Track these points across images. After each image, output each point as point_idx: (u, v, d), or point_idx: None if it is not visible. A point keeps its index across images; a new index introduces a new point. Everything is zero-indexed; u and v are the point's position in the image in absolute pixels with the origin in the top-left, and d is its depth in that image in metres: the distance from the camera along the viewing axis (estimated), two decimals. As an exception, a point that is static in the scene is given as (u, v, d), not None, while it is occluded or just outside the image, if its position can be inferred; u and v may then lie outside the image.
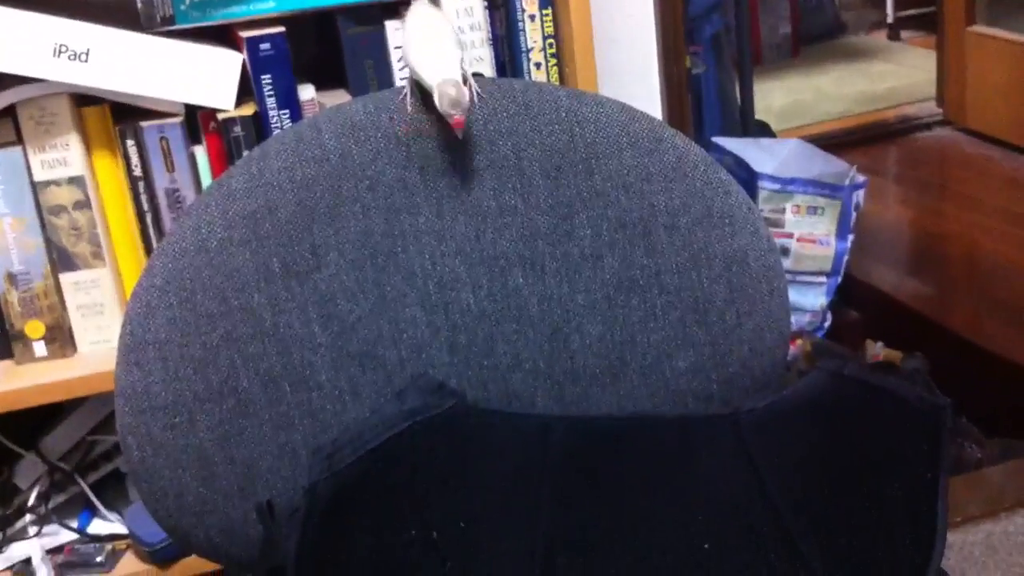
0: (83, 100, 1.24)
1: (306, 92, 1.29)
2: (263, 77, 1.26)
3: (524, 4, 1.35)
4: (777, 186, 1.97)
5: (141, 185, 1.27)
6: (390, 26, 1.29)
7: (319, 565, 0.80)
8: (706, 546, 0.81)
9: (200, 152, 1.28)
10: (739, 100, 2.42)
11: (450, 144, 0.93)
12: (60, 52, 1.19)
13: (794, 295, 1.94)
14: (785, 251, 1.97)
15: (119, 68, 1.21)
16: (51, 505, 1.41)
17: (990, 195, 2.66)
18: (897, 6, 4.09)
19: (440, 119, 0.90)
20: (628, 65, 1.67)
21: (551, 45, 1.37)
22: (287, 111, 1.27)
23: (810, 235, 1.98)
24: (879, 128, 3.16)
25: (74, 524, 1.40)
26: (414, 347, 0.92)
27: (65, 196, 1.25)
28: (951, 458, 1.03)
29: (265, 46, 1.25)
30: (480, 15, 1.32)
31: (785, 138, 2.31)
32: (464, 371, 0.94)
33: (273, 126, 1.27)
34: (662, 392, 0.96)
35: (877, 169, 2.89)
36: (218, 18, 1.26)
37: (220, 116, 1.26)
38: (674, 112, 1.77)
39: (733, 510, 0.84)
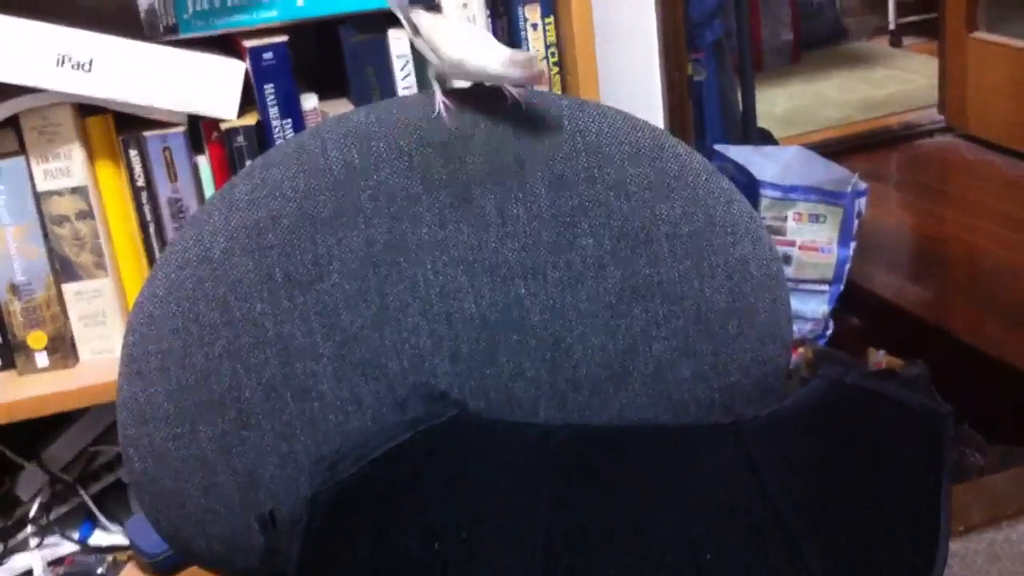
0: (86, 110, 1.25)
1: (309, 101, 1.30)
2: (266, 86, 1.26)
3: (527, 13, 1.35)
4: (779, 193, 1.97)
5: (144, 195, 1.27)
6: (392, 34, 1.30)
7: (321, 574, 0.80)
8: (707, 547, 0.81)
9: (203, 162, 1.28)
10: (741, 106, 2.42)
11: (452, 154, 0.93)
12: (63, 62, 1.19)
13: (796, 303, 1.94)
14: (787, 259, 1.97)
15: (122, 78, 1.21)
16: (52, 516, 1.41)
17: (992, 201, 2.66)
18: (899, 12, 4.09)
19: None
20: (630, 73, 1.67)
21: (553, 54, 1.37)
22: (290, 120, 1.28)
23: (812, 242, 1.98)
24: (881, 135, 3.15)
25: (75, 535, 1.40)
26: (416, 356, 0.92)
27: (68, 206, 1.25)
28: (953, 465, 1.03)
29: (268, 55, 1.26)
30: (483, 24, 1.32)
31: (787, 145, 2.31)
32: (466, 380, 0.94)
33: (276, 135, 1.27)
34: (664, 401, 0.96)
35: (879, 176, 2.89)
36: (221, 27, 1.26)
37: (223, 126, 1.26)
38: (676, 119, 1.78)
39: (734, 511, 0.84)
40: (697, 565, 0.80)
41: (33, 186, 1.25)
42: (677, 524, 0.83)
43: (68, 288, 1.28)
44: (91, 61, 1.20)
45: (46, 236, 1.26)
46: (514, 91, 0.94)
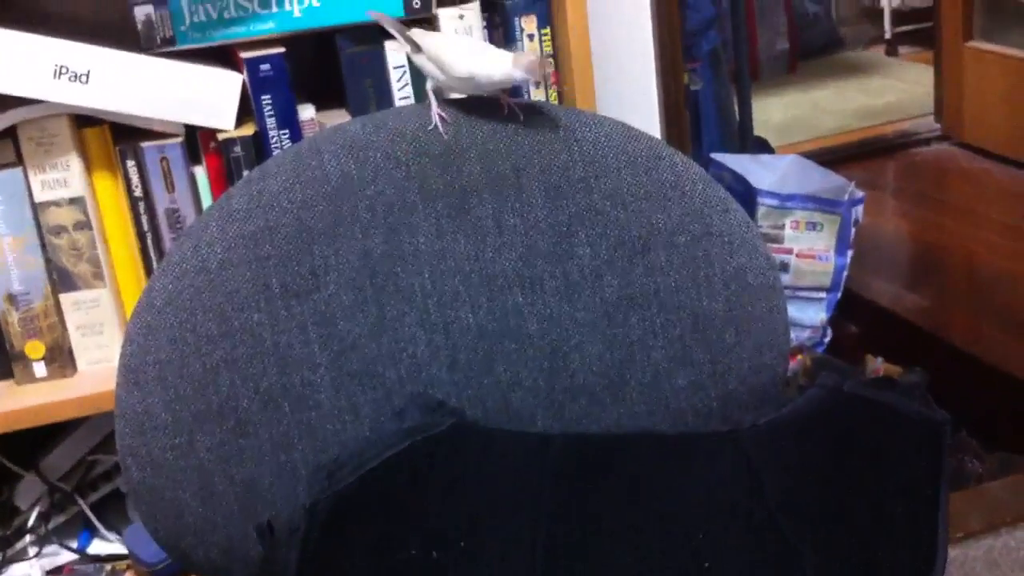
0: (83, 121, 1.25)
1: (306, 112, 1.30)
2: (263, 97, 1.26)
3: (523, 24, 1.35)
4: (776, 202, 1.97)
5: (141, 205, 1.27)
6: (389, 46, 1.30)
7: (320, 584, 0.80)
8: (706, 552, 0.81)
9: (200, 172, 1.28)
10: (737, 115, 2.42)
11: (449, 164, 0.93)
12: (60, 73, 1.20)
13: (794, 311, 1.94)
14: (784, 267, 1.97)
15: (119, 89, 1.22)
16: (51, 525, 1.41)
17: (988, 209, 2.66)
18: (895, 21, 4.10)
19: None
20: (626, 82, 1.68)
21: (550, 64, 1.37)
22: (287, 131, 1.28)
23: (809, 250, 1.98)
24: (877, 143, 3.16)
25: (74, 544, 1.40)
26: (414, 366, 0.93)
27: (65, 216, 1.26)
28: (951, 472, 1.03)
29: (265, 67, 1.26)
30: (479, 34, 1.33)
31: (783, 153, 2.32)
32: (464, 389, 0.94)
33: (273, 146, 1.27)
34: (662, 409, 0.96)
35: (876, 184, 2.90)
36: (218, 39, 1.26)
37: (220, 136, 1.26)
38: (672, 128, 1.78)
39: (733, 515, 0.84)
40: (697, 569, 0.80)
41: (31, 197, 1.25)
42: (677, 529, 0.83)
43: (66, 298, 1.28)
44: (88, 72, 1.20)
45: (44, 246, 1.26)
46: (510, 101, 0.94)
